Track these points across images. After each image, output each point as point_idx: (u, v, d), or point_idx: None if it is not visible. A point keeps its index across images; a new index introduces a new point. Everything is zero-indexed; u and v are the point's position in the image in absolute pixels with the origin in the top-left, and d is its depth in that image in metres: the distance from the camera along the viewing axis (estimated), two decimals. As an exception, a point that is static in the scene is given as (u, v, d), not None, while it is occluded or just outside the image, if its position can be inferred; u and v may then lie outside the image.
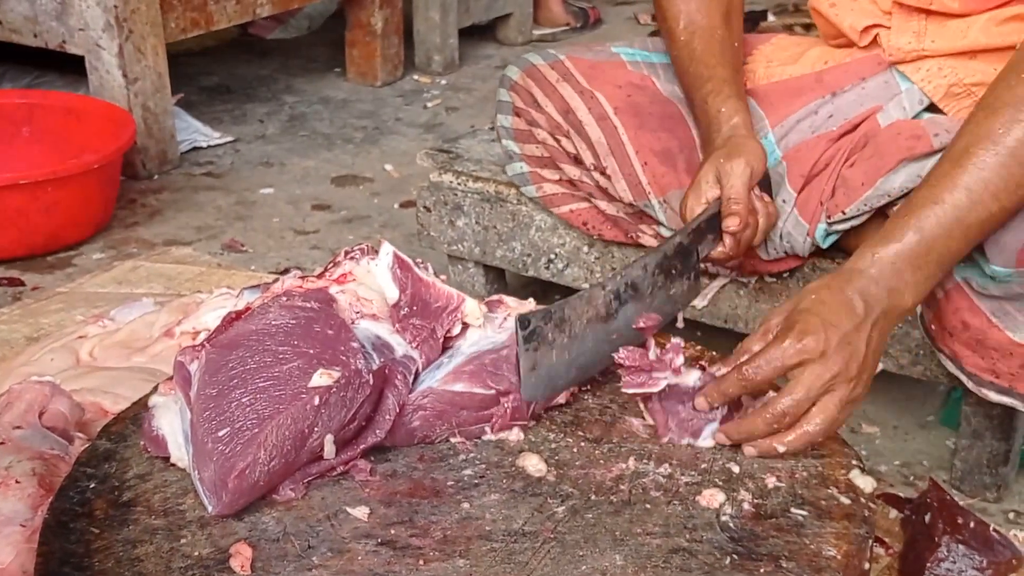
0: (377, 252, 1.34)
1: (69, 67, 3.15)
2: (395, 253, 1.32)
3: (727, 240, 1.53)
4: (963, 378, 1.57)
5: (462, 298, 1.31)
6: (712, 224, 1.52)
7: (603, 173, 1.83)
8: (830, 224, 1.69)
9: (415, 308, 1.30)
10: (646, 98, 1.82)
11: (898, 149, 1.62)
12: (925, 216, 1.33)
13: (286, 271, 1.35)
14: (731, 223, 1.52)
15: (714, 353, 1.47)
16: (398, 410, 1.23)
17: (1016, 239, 1.39)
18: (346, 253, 1.34)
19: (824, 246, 1.73)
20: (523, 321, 1.24)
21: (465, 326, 1.32)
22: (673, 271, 1.39)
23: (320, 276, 1.32)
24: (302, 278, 1.31)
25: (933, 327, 1.57)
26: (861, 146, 1.68)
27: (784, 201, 1.71)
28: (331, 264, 1.34)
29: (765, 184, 1.61)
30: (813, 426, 1.24)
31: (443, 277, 1.35)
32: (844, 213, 1.66)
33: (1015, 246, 1.40)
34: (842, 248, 1.75)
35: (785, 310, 1.30)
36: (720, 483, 1.21)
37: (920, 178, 1.59)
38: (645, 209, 1.81)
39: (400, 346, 1.27)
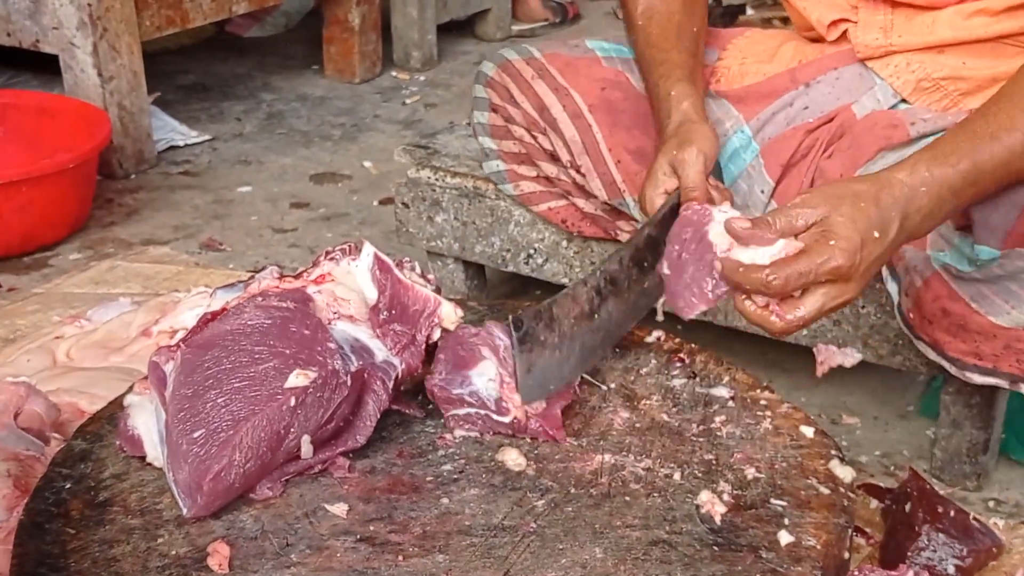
0: (358, 252, 1.33)
1: (43, 66, 3.12)
2: (376, 254, 1.31)
3: None
4: (945, 364, 1.58)
5: (438, 301, 1.30)
6: (675, 215, 1.51)
7: (578, 171, 1.83)
8: (809, 216, 1.69)
9: (394, 312, 1.29)
10: (620, 94, 1.81)
11: (875, 139, 1.62)
12: (982, 149, 1.31)
13: (263, 269, 1.34)
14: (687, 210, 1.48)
15: (693, 345, 1.47)
16: (379, 416, 1.23)
17: (1005, 220, 1.41)
18: (326, 254, 1.33)
19: (803, 238, 1.73)
20: (516, 323, 1.24)
21: (445, 330, 1.32)
22: (645, 263, 1.38)
23: (298, 276, 1.31)
24: (279, 277, 1.31)
25: (912, 315, 1.58)
26: (838, 136, 1.68)
27: (762, 192, 1.71)
28: (312, 265, 1.33)
29: (716, 172, 1.60)
30: (800, 313, 1.22)
31: (431, 276, 1.34)
32: None
33: (1004, 227, 1.41)
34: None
35: (825, 204, 1.23)
36: (700, 475, 1.21)
37: None
38: (620, 207, 1.81)
39: (380, 351, 1.26)
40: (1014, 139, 1.32)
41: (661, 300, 1.92)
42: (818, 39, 1.75)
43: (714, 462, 1.24)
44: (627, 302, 1.35)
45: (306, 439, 1.17)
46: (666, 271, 1.25)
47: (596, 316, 1.32)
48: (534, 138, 1.88)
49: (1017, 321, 1.48)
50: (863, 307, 1.75)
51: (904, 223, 1.27)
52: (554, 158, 1.87)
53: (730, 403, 1.35)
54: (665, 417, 1.32)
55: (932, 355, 1.59)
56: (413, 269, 1.34)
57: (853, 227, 1.22)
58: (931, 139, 1.57)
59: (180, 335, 1.32)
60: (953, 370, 1.58)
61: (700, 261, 1.24)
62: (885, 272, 1.64)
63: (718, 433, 1.29)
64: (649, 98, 1.68)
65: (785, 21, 3.57)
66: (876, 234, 1.23)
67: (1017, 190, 1.38)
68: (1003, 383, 1.55)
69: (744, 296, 1.24)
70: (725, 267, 1.23)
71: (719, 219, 1.24)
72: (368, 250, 1.32)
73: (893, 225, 1.25)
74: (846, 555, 1.16)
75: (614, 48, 1.88)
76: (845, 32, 1.70)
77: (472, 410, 1.26)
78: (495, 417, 1.25)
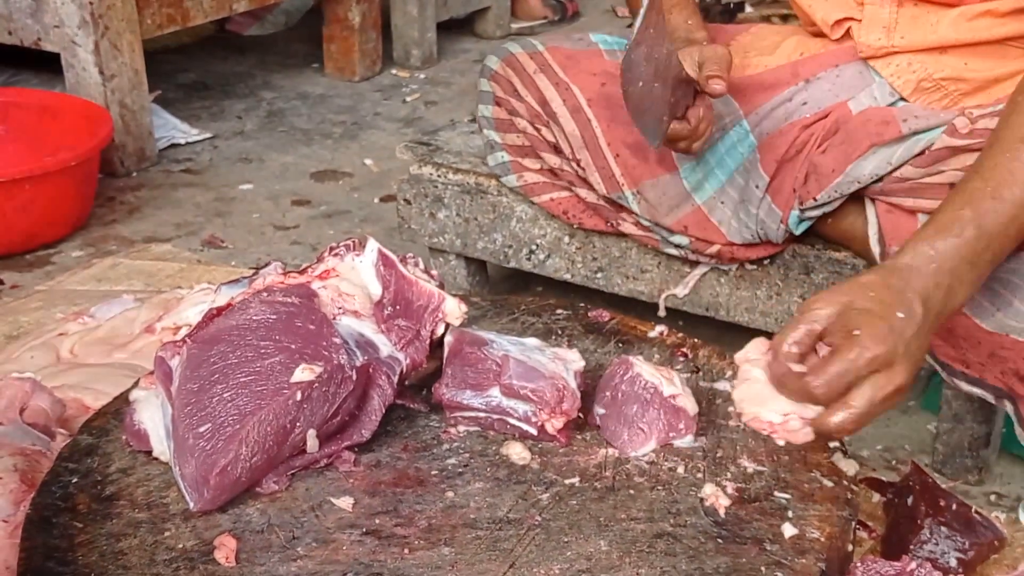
0: (362, 248, 1.33)
1: (45, 65, 3.13)
2: (380, 249, 1.32)
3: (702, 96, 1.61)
4: (937, 368, 1.58)
5: (443, 297, 1.31)
6: (684, 91, 1.61)
7: (579, 164, 1.84)
8: (802, 211, 1.70)
9: (399, 307, 1.29)
10: (619, 89, 1.82)
11: (867, 135, 1.62)
12: (985, 211, 1.26)
13: (266, 265, 1.35)
14: (716, 83, 1.57)
15: (696, 340, 1.47)
16: (384, 410, 1.23)
17: None
18: (331, 249, 1.33)
19: (797, 232, 1.74)
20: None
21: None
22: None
23: (303, 272, 1.32)
24: (284, 273, 1.31)
25: (907, 317, 1.58)
26: (832, 132, 1.68)
27: (757, 187, 1.71)
28: (316, 261, 1.34)
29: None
30: (853, 410, 1.19)
31: (434, 272, 1.34)
32: (816, 200, 1.67)
33: None
34: (816, 233, 1.76)
35: (836, 302, 1.21)
36: (703, 468, 1.22)
37: (890, 165, 1.60)
38: (618, 200, 1.82)
39: (385, 346, 1.27)
40: (1015, 193, 1.26)
41: (663, 296, 1.94)
42: (822, 34, 1.76)
43: (717, 455, 1.24)
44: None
45: (312, 433, 1.18)
46: (601, 411, 1.27)
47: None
48: (537, 130, 1.89)
49: (1001, 325, 1.46)
50: (864, 302, 1.76)
51: (927, 303, 1.22)
52: (557, 150, 1.88)
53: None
54: (668, 411, 1.32)
55: (927, 357, 1.59)
56: (417, 265, 1.35)
57: (874, 314, 1.18)
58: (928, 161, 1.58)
59: (183, 332, 1.32)
60: (944, 375, 1.57)
61: (639, 399, 1.25)
62: None
63: (721, 427, 1.30)
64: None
65: (784, 19, 3.57)
66: (900, 314, 1.19)
67: None
68: (988, 396, 1.53)
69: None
70: (781, 378, 1.22)
71: (641, 363, 1.27)
72: (372, 246, 1.33)
73: (915, 306, 1.21)
74: (849, 547, 1.17)
75: (617, 42, 1.89)
76: (849, 30, 1.71)
77: (483, 414, 1.26)
78: (511, 422, 1.26)
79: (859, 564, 1.28)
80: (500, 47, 1.95)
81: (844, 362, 1.16)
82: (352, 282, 1.31)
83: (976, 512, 1.48)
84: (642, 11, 1.61)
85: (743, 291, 1.86)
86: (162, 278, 2.32)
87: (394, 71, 3.80)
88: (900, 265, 1.25)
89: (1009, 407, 1.51)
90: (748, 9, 4.03)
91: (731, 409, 1.32)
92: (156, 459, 1.21)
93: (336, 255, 1.33)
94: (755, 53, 1.83)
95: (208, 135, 3.23)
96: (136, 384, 1.28)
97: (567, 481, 1.19)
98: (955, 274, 1.24)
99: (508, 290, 2.36)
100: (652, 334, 1.49)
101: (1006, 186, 1.26)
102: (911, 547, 1.46)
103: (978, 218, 1.25)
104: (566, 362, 1.28)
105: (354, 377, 1.19)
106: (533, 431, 1.25)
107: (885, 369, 1.17)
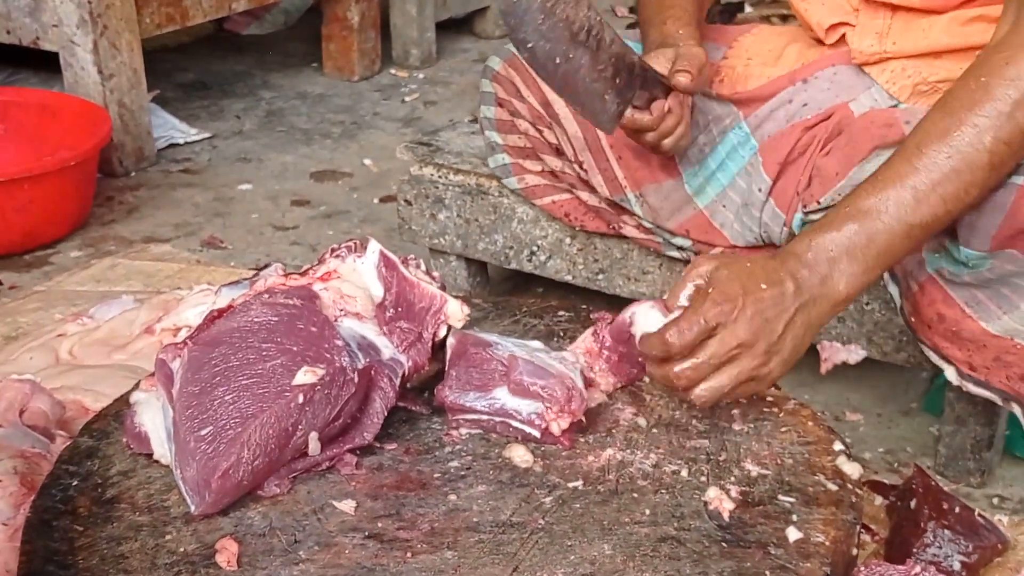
0: (364, 249, 1.33)
1: (43, 64, 3.12)
2: (381, 251, 1.31)
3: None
4: (947, 369, 1.57)
5: (444, 299, 1.30)
6: (649, 78, 1.58)
7: (581, 167, 1.83)
8: (806, 214, 1.69)
9: (400, 309, 1.29)
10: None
11: (871, 137, 1.62)
12: (868, 210, 1.30)
13: (266, 266, 1.34)
14: (682, 76, 1.59)
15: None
16: (386, 413, 1.23)
17: (990, 223, 1.39)
18: (332, 251, 1.33)
19: (800, 235, 1.73)
20: None
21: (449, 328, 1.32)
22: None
23: (304, 273, 1.31)
24: (285, 275, 1.31)
25: (912, 320, 1.57)
26: (836, 134, 1.68)
27: (759, 190, 1.71)
28: (317, 263, 1.33)
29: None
30: (700, 391, 1.21)
31: (436, 274, 1.34)
32: (819, 203, 1.66)
33: (989, 231, 1.39)
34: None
35: (713, 262, 1.26)
36: (707, 472, 1.21)
37: None
38: (621, 203, 1.82)
39: (387, 348, 1.26)
40: (902, 195, 1.30)
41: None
42: (822, 41, 1.75)
43: (721, 459, 1.24)
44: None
45: (314, 436, 1.17)
46: None
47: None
48: (539, 132, 1.88)
49: (1007, 328, 1.46)
50: (867, 304, 1.75)
51: (799, 283, 1.25)
52: (559, 152, 1.87)
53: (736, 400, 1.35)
54: (672, 414, 1.32)
55: (936, 359, 1.58)
56: (418, 266, 1.34)
57: (734, 277, 1.23)
58: None
59: (183, 333, 1.32)
60: (954, 377, 1.56)
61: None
62: (886, 274, 1.63)
63: (725, 430, 1.29)
64: (650, 35, 1.73)
65: (784, 19, 3.57)
66: (763, 285, 1.23)
67: (999, 191, 1.37)
68: (996, 399, 1.53)
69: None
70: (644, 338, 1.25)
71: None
72: (374, 247, 1.32)
73: (786, 283, 1.24)
74: (854, 551, 1.17)
75: None
76: (844, 35, 1.70)
77: (486, 416, 1.26)
78: (514, 424, 1.25)
79: (863, 568, 1.28)
80: (502, 48, 1.94)
81: (694, 315, 1.21)
82: (354, 284, 1.30)
83: (979, 515, 1.48)
84: None
85: (745, 293, 1.85)
86: (161, 279, 2.31)
87: (393, 71, 3.79)
88: (781, 251, 1.31)
89: (1017, 409, 1.51)
90: (748, 9, 4.03)
91: (734, 412, 1.32)
92: (157, 462, 1.20)
93: (337, 256, 1.32)
94: (758, 61, 1.82)
95: (207, 135, 3.22)
96: (137, 386, 1.27)
97: (570, 484, 1.19)
98: (832, 264, 1.28)
99: (509, 291, 2.35)
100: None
101: (893, 187, 1.31)
102: (914, 550, 1.45)
103: (860, 215, 1.29)
104: (570, 364, 1.28)
105: (356, 380, 1.18)
106: (536, 433, 1.24)
107: (730, 325, 1.20)
